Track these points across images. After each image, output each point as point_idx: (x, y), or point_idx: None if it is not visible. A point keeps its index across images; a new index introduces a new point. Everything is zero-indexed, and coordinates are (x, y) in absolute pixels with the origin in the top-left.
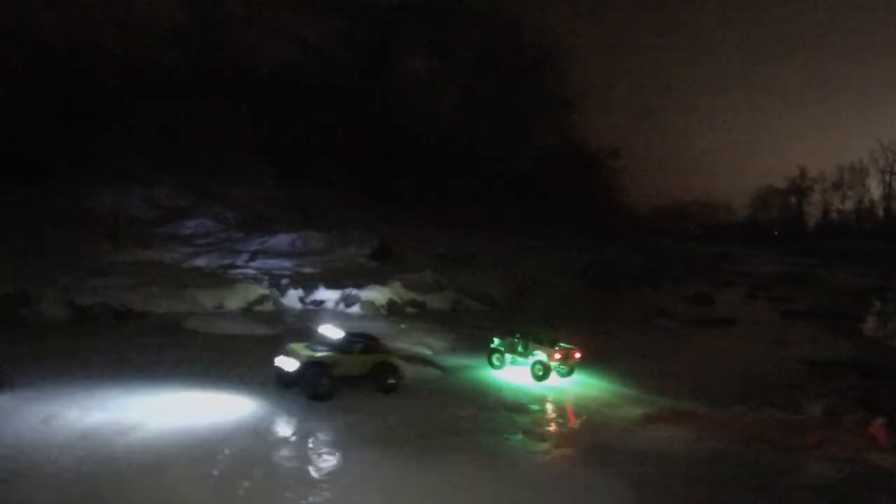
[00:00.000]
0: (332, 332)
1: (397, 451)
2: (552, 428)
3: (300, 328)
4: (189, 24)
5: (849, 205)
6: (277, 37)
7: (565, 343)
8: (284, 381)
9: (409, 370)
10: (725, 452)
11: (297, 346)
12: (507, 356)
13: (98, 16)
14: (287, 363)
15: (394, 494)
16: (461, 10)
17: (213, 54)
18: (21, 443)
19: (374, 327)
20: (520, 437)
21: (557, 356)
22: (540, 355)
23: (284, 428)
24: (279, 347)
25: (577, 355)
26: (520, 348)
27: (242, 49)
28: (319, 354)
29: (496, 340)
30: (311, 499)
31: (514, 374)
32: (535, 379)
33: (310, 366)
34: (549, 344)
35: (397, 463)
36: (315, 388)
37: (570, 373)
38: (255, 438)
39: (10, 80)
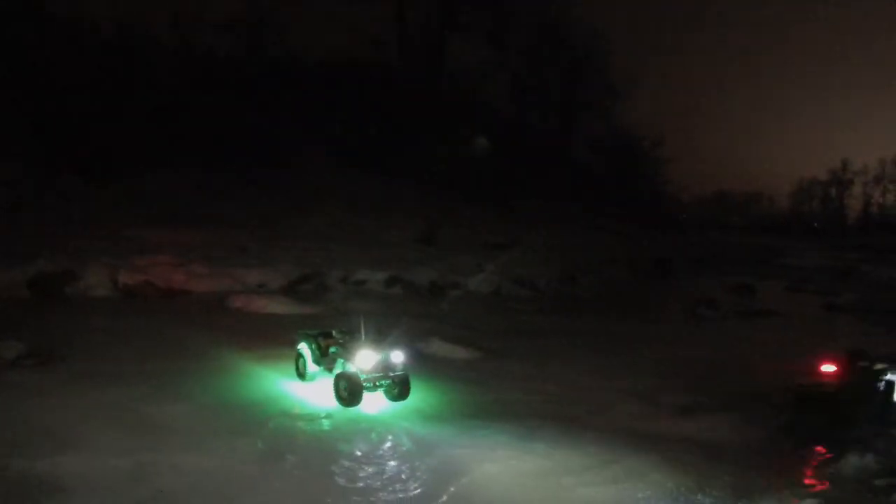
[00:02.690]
0: None
1: None
2: None
3: (343, 308)
4: (241, 14)
5: (889, 198)
6: (328, 24)
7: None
8: None
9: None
10: (771, 440)
11: None
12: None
13: (151, 7)
14: None
15: None
16: None
17: (265, 43)
18: None
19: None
20: None
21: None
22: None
23: None
24: None
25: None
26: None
27: (294, 37)
28: None
29: (301, 341)
30: None
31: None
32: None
33: None
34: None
35: None
36: None
37: (401, 394)
38: None
39: (62, 70)
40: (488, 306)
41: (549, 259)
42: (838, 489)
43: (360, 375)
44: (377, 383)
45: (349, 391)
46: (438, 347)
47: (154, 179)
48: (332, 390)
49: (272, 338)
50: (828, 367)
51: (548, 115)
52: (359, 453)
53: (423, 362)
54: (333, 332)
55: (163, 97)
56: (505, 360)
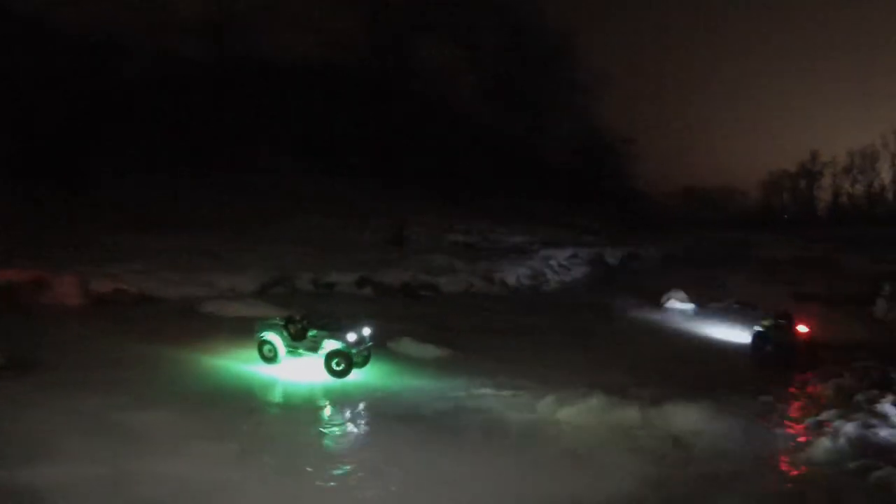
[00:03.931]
0: None
1: None
2: None
3: (315, 311)
4: (210, 17)
5: (858, 189)
6: (298, 26)
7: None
8: None
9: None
10: (743, 429)
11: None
12: (283, 348)
13: (120, 9)
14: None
15: None
16: None
17: (235, 46)
18: None
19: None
20: None
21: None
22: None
23: None
24: None
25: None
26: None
27: (263, 40)
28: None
29: (266, 330)
30: None
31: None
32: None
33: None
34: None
35: None
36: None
37: (366, 360)
38: None
39: (30, 75)
40: (460, 305)
41: (515, 257)
42: (813, 473)
43: (351, 350)
44: (359, 354)
45: (345, 364)
46: (410, 347)
47: (125, 185)
48: (324, 366)
49: (244, 341)
50: (802, 328)
51: (518, 114)
52: (330, 453)
53: (395, 361)
54: (297, 318)
55: (134, 102)
56: (476, 357)
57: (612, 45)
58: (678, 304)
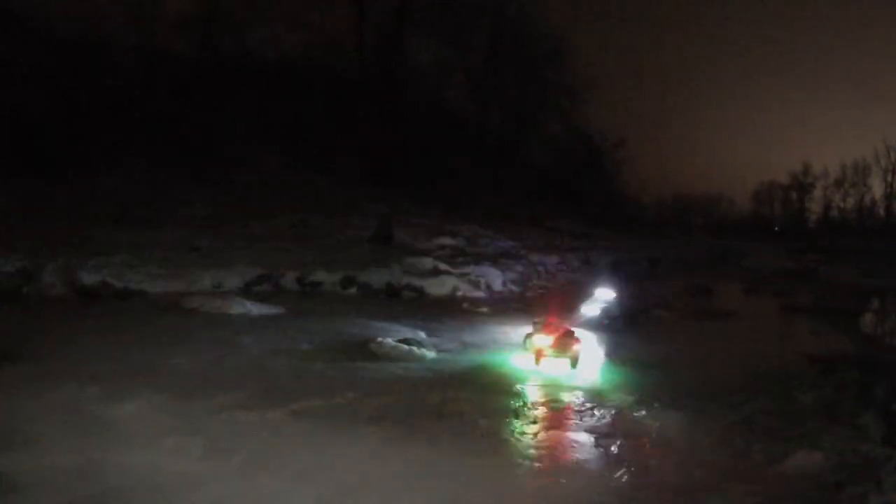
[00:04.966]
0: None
1: None
2: None
3: (300, 309)
4: (196, 13)
5: (850, 202)
6: (285, 24)
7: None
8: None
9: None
10: (720, 438)
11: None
12: None
13: (106, 4)
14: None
15: None
16: None
17: (220, 42)
18: None
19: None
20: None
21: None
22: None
23: None
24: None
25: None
26: None
27: (250, 36)
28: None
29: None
30: None
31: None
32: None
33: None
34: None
35: None
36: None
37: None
38: None
39: (15, 69)
40: (444, 307)
41: (503, 261)
42: (786, 487)
43: None
44: None
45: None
46: (391, 348)
47: (110, 179)
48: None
49: (226, 337)
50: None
51: (506, 115)
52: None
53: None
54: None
55: (119, 96)
56: (459, 360)
57: (605, 49)
58: (660, 312)
